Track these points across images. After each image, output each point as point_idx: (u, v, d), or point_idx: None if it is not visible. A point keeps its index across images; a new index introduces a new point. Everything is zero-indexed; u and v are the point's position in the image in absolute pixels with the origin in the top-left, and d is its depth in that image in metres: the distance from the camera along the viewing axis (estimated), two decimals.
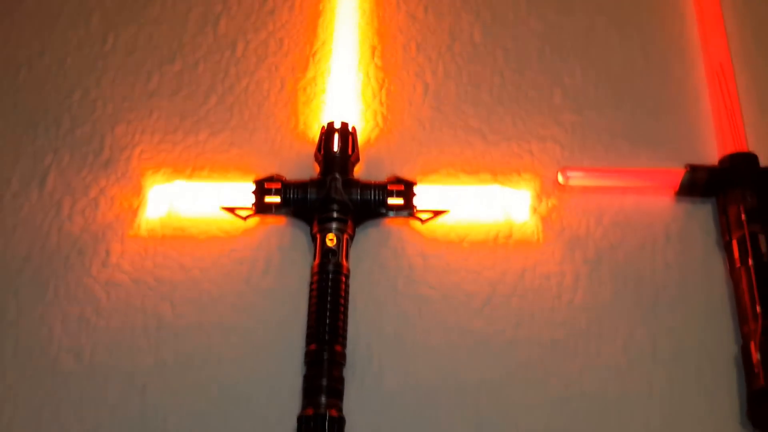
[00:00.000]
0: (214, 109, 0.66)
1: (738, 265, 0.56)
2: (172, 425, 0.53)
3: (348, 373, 0.54)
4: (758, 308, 0.53)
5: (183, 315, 0.57)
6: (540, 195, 0.61)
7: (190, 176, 0.63)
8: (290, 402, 0.53)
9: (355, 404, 0.53)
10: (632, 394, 0.54)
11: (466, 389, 0.54)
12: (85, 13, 0.71)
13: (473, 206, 0.60)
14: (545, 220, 0.60)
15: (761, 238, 0.55)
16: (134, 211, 0.61)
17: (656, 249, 0.59)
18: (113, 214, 0.61)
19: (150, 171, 0.63)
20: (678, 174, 0.60)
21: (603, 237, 0.60)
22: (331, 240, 0.57)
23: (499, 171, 0.63)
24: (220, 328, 0.57)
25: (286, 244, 0.60)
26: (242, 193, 0.60)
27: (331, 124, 0.61)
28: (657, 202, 0.61)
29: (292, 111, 0.66)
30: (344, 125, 0.61)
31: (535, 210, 0.61)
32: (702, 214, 0.60)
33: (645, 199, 0.61)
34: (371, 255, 0.59)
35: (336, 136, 0.61)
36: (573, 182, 0.61)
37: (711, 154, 0.62)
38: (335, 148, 0.60)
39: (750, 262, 0.55)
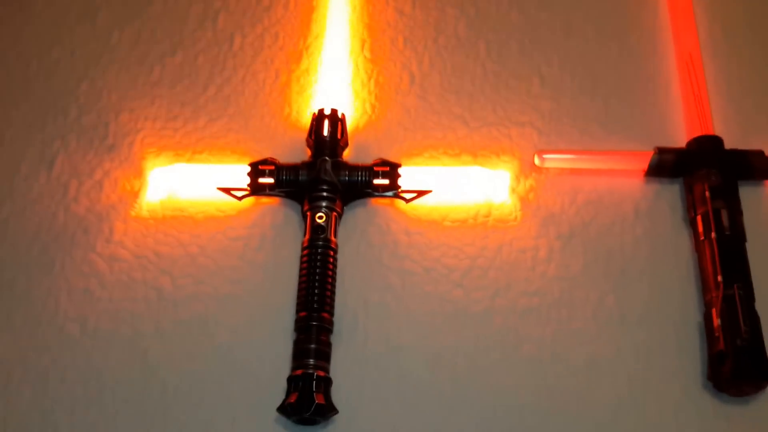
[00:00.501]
0: (213, 98, 0.70)
1: (702, 238, 0.59)
2: (171, 387, 0.57)
3: (335, 339, 0.58)
4: (719, 278, 0.57)
5: (181, 287, 0.61)
6: (518, 176, 0.65)
7: (189, 160, 0.67)
8: (281, 365, 0.57)
9: (341, 367, 0.57)
10: (600, 358, 0.57)
11: (444, 353, 0.58)
12: (92, 11, 0.75)
13: (455, 186, 0.64)
14: (522, 199, 0.64)
15: (723, 213, 0.59)
16: (136, 193, 0.65)
17: (626, 225, 0.63)
18: (116, 195, 0.65)
19: (151, 155, 0.67)
20: (647, 156, 0.63)
21: (576, 214, 0.63)
22: (320, 217, 0.60)
23: (479, 154, 0.66)
24: (216, 299, 0.60)
25: (279, 223, 0.64)
26: (238, 175, 0.64)
27: (321, 111, 0.65)
28: (628, 182, 0.65)
29: (285, 100, 0.70)
30: (334, 111, 0.65)
31: (513, 190, 0.65)
32: (670, 194, 0.64)
33: (616, 180, 0.65)
34: (358, 232, 0.63)
35: (326, 122, 0.65)
36: (548, 164, 0.65)
37: (680, 138, 0.65)
38: (325, 133, 0.64)
39: (713, 235, 0.58)
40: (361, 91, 0.70)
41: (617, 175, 0.65)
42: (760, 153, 0.63)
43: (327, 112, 0.65)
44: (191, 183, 0.65)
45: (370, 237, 0.63)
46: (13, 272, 0.62)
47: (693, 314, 0.59)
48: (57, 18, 0.75)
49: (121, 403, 0.56)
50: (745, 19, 0.72)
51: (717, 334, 0.55)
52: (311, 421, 0.54)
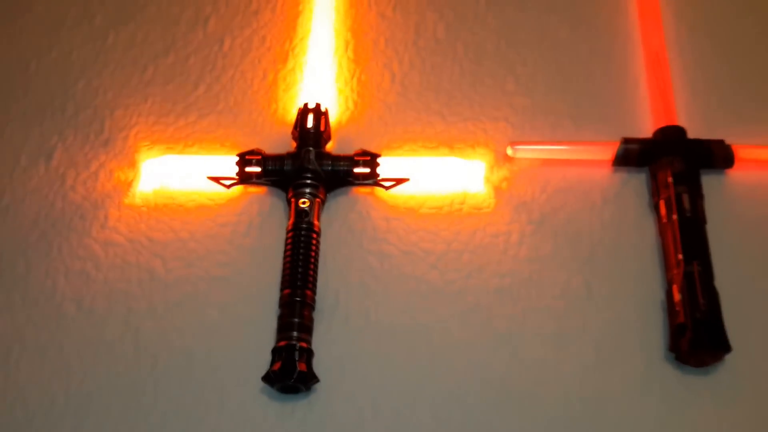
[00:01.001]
0: (203, 95, 0.74)
1: (664, 221, 0.63)
2: (161, 361, 0.60)
3: (317, 316, 0.61)
4: (680, 256, 0.60)
5: (172, 269, 0.64)
6: (492, 167, 0.69)
7: (180, 152, 0.70)
8: (266, 340, 0.60)
9: (323, 341, 0.60)
10: (568, 332, 0.60)
11: (420, 329, 0.61)
12: (89, 14, 0.79)
13: (432, 176, 0.68)
14: (496, 188, 0.68)
15: (685, 198, 0.63)
16: (130, 183, 0.69)
17: (593, 211, 0.66)
18: (111, 184, 0.69)
19: (145, 148, 0.71)
20: (614, 146, 0.67)
21: (546, 202, 0.67)
22: (304, 203, 0.64)
23: (456, 146, 0.70)
24: (206, 280, 0.64)
25: (266, 210, 0.67)
26: (226, 165, 0.67)
27: (306, 105, 0.69)
28: (596, 172, 0.68)
29: (272, 97, 0.74)
30: (317, 106, 0.69)
31: (487, 180, 0.68)
32: (636, 182, 0.68)
33: (585, 170, 0.68)
34: (340, 218, 0.67)
35: (310, 115, 0.68)
36: (520, 155, 0.68)
37: (646, 129, 0.69)
38: (309, 125, 0.68)
39: (674, 217, 0.62)
40: (344, 89, 0.74)
41: (586, 165, 0.69)
42: (721, 142, 0.67)
43: (311, 106, 0.69)
44: (182, 173, 0.68)
45: (351, 223, 0.66)
46: (14, 256, 0.65)
47: (656, 292, 0.62)
48: (56, 21, 0.79)
49: (114, 376, 0.59)
50: (708, 20, 0.76)
51: (678, 309, 0.59)
52: (294, 389, 0.58)
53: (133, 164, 0.70)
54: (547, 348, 0.60)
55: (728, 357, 0.59)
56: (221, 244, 0.65)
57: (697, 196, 0.63)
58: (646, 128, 0.69)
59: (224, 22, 0.79)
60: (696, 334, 0.57)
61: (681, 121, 0.68)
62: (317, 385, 0.59)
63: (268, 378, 0.57)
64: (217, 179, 0.67)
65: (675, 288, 0.60)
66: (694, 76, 0.73)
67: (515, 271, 0.63)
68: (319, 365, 0.59)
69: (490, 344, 0.60)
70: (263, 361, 0.59)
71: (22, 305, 0.63)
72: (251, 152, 0.67)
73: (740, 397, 0.58)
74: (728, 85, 0.72)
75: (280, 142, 0.70)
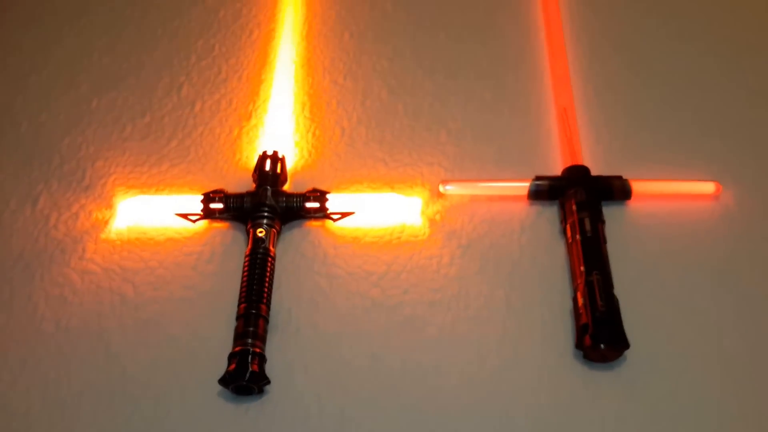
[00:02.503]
0: (175, 148, 0.84)
1: (570, 241, 0.73)
2: (129, 371, 0.67)
3: (271, 330, 0.69)
4: (582, 268, 0.70)
5: (142, 293, 0.72)
6: (427, 202, 0.79)
7: (153, 195, 0.80)
8: (224, 352, 0.67)
9: (276, 350, 0.68)
10: (490, 336, 0.69)
11: (362, 337, 0.69)
12: (76, 84, 0.90)
13: (375, 210, 0.78)
14: (430, 220, 0.78)
15: (586, 221, 0.73)
16: (106, 221, 0.78)
17: (513, 238, 0.76)
18: (90, 223, 0.78)
19: (121, 192, 0.80)
20: (528, 183, 0.78)
21: (473, 230, 0.77)
22: (261, 232, 0.73)
23: (396, 186, 0.80)
24: (172, 301, 0.72)
25: (227, 242, 0.76)
26: (192, 203, 0.77)
27: (265, 152, 0.80)
28: (515, 205, 0.79)
29: (237, 149, 0.84)
30: (275, 152, 0.79)
31: (423, 213, 0.78)
32: (549, 213, 0.78)
33: (506, 204, 0.79)
34: (294, 247, 0.76)
35: (268, 160, 0.79)
36: (451, 192, 0.79)
37: (557, 168, 0.80)
38: (267, 168, 0.78)
39: (578, 237, 0.72)
40: (300, 142, 0.85)
41: (506, 200, 0.79)
42: (620, 177, 0.78)
43: (270, 153, 0.79)
44: (153, 211, 0.77)
45: (303, 250, 0.76)
46: (0, 284, 0.73)
47: (565, 301, 0.71)
48: (46, 89, 0.90)
49: (86, 384, 0.66)
50: (610, 80, 0.89)
51: (581, 311, 0.68)
52: (247, 390, 0.65)
53: (110, 206, 0.79)
54: (472, 350, 0.68)
55: (627, 353, 0.67)
56: (186, 270, 0.74)
57: (597, 221, 0.74)
58: (556, 168, 0.80)
59: (196, 88, 0.90)
60: (596, 331, 0.66)
61: (585, 161, 0.80)
62: (269, 388, 0.66)
63: (224, 380, 0.64)
64: (184, 215, 0.76)
65: (579, 294, 0.69)
66: (597, 123, 0.85)
67: (446, 287, 0.72)
68: (271, 370, 0.67)
69: (423, 349, 0.69)
70: (221, 369, 0.66)
71: (6, 325, 0.70)
72: (215, 191, 0.77)
73: (638, 388, 0.66)
74: (627, 131, 0.84)
75: (242, 185, 0.80)
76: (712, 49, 0.92)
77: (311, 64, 0.92)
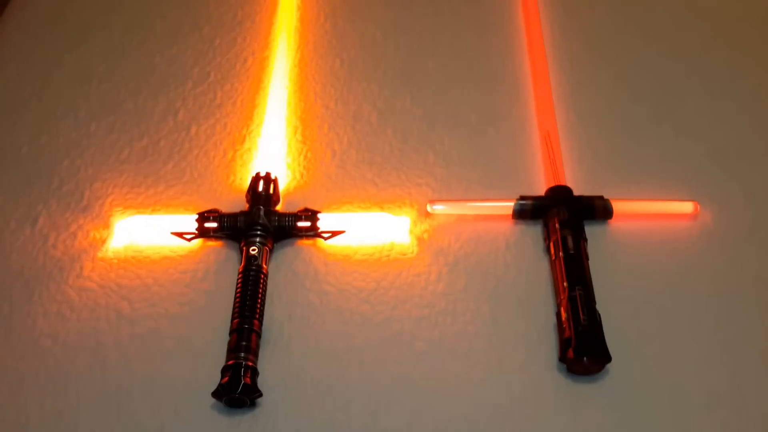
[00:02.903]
0: (171, 170, 0.87)
1: (553, 258, 0.76)
2: (125, 385, 0.69)
3: (264, 345, 0.71)
4: (565, 284, 0.72)
5: (137, 309, 0.74)
6: (416, 221, 0.82)
7: (149, 215, 0.82)
8: (218, 365, 0.69)
9: (268, 364, 0.70)
10: (477, 350, 0.71)
11: (352, 351, 0.71)
12: (75, 108, 0.93)
13: (365, 228, 0.80)
14: (419, 238, 0.80)
15: (569, 239, 0.76)
16: (103, 240, 0.80)
17: (498, 255, 0.79)
18: (87, 242, 0.80)
19: (118, 212, 0.83)
20: (513, 203, 0.81)
21: (460, 248, 0.79)
22: (254, 249, 0.76)
23: (385, 206, 0.83)
24: (167, 317, 0.74)
25: (221, 259, 0.78)
26: (188, 222, 0.79)
27: (258, 173, 0.82)
28: (500, 224, 0.81)
29: (231, 171, 0.87)
30: (268, 173, 0.82)
31: (411, 232, 0.81)
32: (533, 232, 0.81)
33: (491, 223, 0.81)
34: (286, 265, 0.78)
35: (261, 181, 0.81)
36: (438, 211, 0.82)
37: (541, 189, 0.83)
38: (260, 189, 0.81)
39: (561, 254, 0.75)
40: (292, 164, 0.88)
41: (492, 219, 0.82)
42: (601, 197, 0.81)
43: (262, 174, 0.82)
44: (149, 230, 0.80)
45: (295, 268, 0.78)
46: (0, 301, 0.75)
47: (549, 316, 0.74)
48: (46, 114, 0.92)
49: (83, 398, 0.68)
50: (595, 104, 0.92)
51: (564, 325, 0.70)
52: (240, 403, 0.66)
53: (107, 225, 0.81)
54: (459, 364, 0.70)
55: (609, 366, 0.69)
56: (181, 287, 0.76)
57: (580, 238, 0.76)
58: (539, 188, 0.83)
59: (192, 113, 0.93)
60: (579, 344, 0.68)
61: (568, 182, 0.83)
62: (261, 400, 0.68)
63: (217, 393, 0.66)
64: (179, 234, 0.79)
65: (562, 309, 0.71)
66: (579, 146, 0.88)
67: (433, 303, 0.75)
68: (263, 384, 0.68)
69: (412, 362, 0.71)
70: (214, 383, 0.68)
71: (6, 340, 0.72)
72: (210, 211, 0.79)
73: (620, 400, 0.68)
74: (607, 153, 0.87)
75: (236, 205, 0.83)
76: (689, 74, 0.95)
77: (303, 90, 0.95)
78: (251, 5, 1.06)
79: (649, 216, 0.82)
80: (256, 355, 0.69)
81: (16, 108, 0.93)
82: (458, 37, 1.00)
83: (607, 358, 0.69)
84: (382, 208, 0.83)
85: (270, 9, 1.05)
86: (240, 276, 0.74)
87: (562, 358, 0.69)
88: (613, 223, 0.81)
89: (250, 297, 0.71)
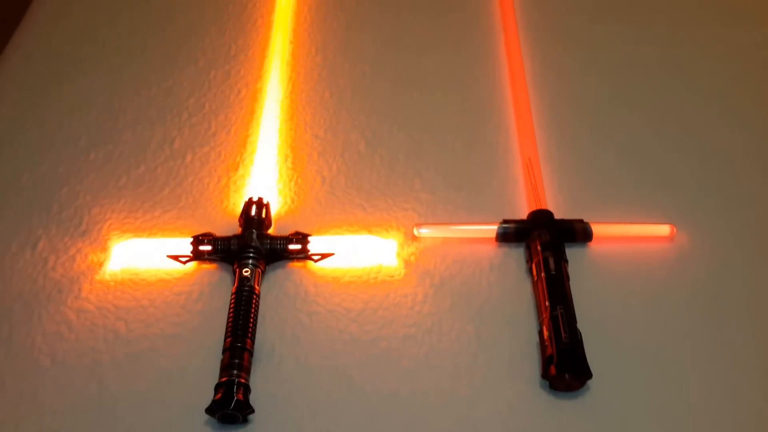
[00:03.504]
0: (167, 196, 0.90)
1: (535, 279, 0.79)
2: (121, 404, 0.71)
3: (255, 364, 0.73)
4: (547, 303, 0.75)
5: (134, 330, 0.77)
6: (402, 244, 0.85)
7: (145, 238, 0.85)
8: (211, 383, 0.71)
9: (260, 382, 0.72)
10: (462, 367, 0.74)
11: (341, 369, 0.73)
12: (75, 137, 0.97)
13: (354, 251, 0.83)
14: (405, 261, 0.83)
15: (550, 260, 0.79)
16: (101, 263, 0.83)
17: (482, 276, 0.82)
18: (86, 265, 0.83)
19: (116, 236, 0.85)
20: (496, 226, 0.84)
21: (445, 270, 0.82)
22: (246, 271, 0.78)
23: (373, 230, 0.86)
24: (162, 337, 0.76)
25: (215, 281, 0.81)
26: (183, 245, 0.82)
27: (251, 198, 0.85)
28: (484, 247, 0.84)
29: (225, 196, 0.90)
30: (260, 198, 0.85)
31: (398, 255, 0.84)
32: (516, 254, 0.84)
33: (475, 246, 0.85)
34: (278, 286, 0.81)
35: (254, 206, 0.85)
36: (424, 234, 0.85)
37: (523, 213, 0.87)
38: (253, 213, 0.84)
39: (543, 275, 0.78)
40: (283, 190, 0.91)
41: (476, 242, 0.85)
42: (581, 220, 0.84)
43: (255, 199, 0.85)
44: (145, 253, 0.82)
45: (286, 289, 0.81)
46: (0, 322, 0.77)
47: (532, 334, 0.76)
48: (47, 142, 0.96)
49: (80, 414, 0.70)
50: (572, 132, 0.96)
51: (547, 343, 0.73)
52: (232, 418, 0.69)
53: (105, 249, 0.84)
54: (445, 381, 0.73)
55: (591, 383, 0.72)
56: (176, 308, 0.79)
57: (561, 260, 0.80)
58: (521, 212, 0.87)
59: (187, 142, 0.97)
60: (560, 361, 0.71)
61: (549, 206, 0.86)
62: (253, 416, 0.70)
63: (210, 409, 0.68)
64: (175, 257, 0.82)
65: (544, 328, 0.74)
66: (559, 171, 0.91)
67: (420, 323, 0.78)
68: (255, 400, 0.71)
69: (399, 380, 0.73)
70: (208, 400, 0.70)
71: (5, 359, 0.74)
72: (204, 234, 0.82)
73: (601, 416, 0.71)
74: (587, 178, 0.91)
75: (229, 229, 0.86)
76: (665, 103, 1.00)
77: (294, 120, 0.99)
78: (245, 39, 1.11)
79: (627, 238, 0.86)
80: (248, 372, 0.71)
81: (17, 137, 0.96)
82: (442, 69, 1.05)
83: (588, 375, 0.71)
84: (370, 232, 0.86)
85: (263, 43, 1.09)
86: (233, 297, 0.76)
87: (545, 374, 0.72)
88: (593, 246, 0.85)
89: (242, 317, 0.74)
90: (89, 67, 1.05)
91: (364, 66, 1.05)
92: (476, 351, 0.75)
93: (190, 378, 0.73)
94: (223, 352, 0.73)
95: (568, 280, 0.79)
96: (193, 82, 1.04)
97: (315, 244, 0.82)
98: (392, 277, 0.82)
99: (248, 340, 0.73)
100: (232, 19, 1.14)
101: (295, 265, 0.83)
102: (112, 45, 1.10)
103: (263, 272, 0.81)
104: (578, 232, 0.84)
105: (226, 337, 0.73)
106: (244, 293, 0.76)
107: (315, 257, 0.82)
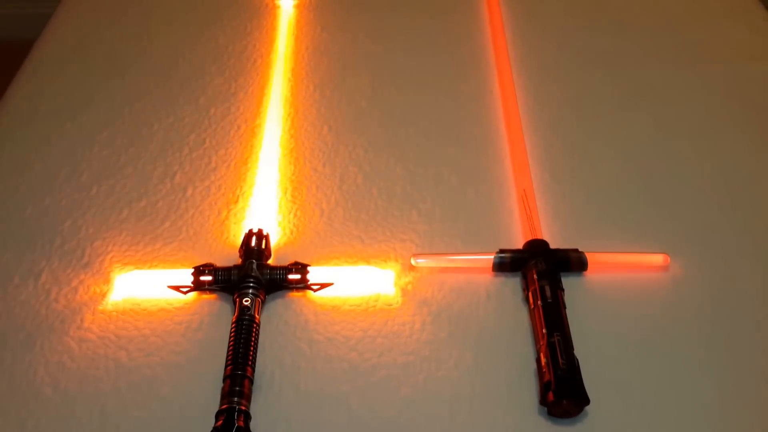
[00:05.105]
0: (168, 229, 0.92)
1: (532, 307, 0.80)
2: (122, 428, 0.71)
3: (256, 392, 0.74)
4: (544, 330, 0.76)
5: (135, 358, 0.77)
6: (400, 274, 0.86)
7: (147, 270, 0.86)
8: (211, 409, 0.72)
9: (260, 410, 0.73)
10: (460, 394, 0.74)
11: (340, 396, 0.74)
12: (78, 172, 0.99)
13: (352, 281, 0.84)
14: (403, 290, 0.85)
15: (546, 288, 0.80)
16: (103, 294, 0.84)
17: (479, 305, 0.83)
18: (88, 296, 0.84)
19: (118, 268, 0.87)
20: (493, 256, 0.86)
21: (443, 299, 0.84)
22: (246, 300, 0.80)
23: (371, 260, 0.88)
24: (163, 366, 0.77)
25: (215, 311, 0.82)
26: (184, 276, 0.83)
27: (251, 230, 0.87)
28: (481, 277, 0.86)
29: (225, 228, 0.92)
30: (260, 230, 0.87)
31: (396, 284, 0.85)
32: (513, 283, 0.85)
33: (472, 275, 0.86)
34: (278, 315, 0.82)
35: (254, 237, 0.86)
36: (421, 264, 0.86)
37: (519, 243, 0.89)
38: (253, 244, 0.85)
39: (539, 303, 0.79)
40: (283, 221, 0.93)
41: (473, 272, 0.86)
42: (576, 250, 0.86)
43: (255, 230, 0.87)
44: (147, 284, 0.84)
45: (286, 318, 0.82)
46: (2, 352, 0.78)
47: (529, 361, 0.77)
48: (50, 177, 0.97)
49: None
50: (567, 163, 0.99)
51: (544, 370, 0.74)
52: None
53: (107, 280, 0.85)
54: (444, 408, 0.74)
55: (588, 409, 0.73)
56: (177, 337, 0.79)
57: (557, 288, 0.81)
58: (517, 242, 0.88)
59: (188, 176, 0.99)
60: (558, 387, 0.72)
61: (545, 235, 0.88)
62: None
63: None
64: (176, 287, 0.83)
65: (542, 355, 0.75)
66: (554, 202, 0.93)
67: (418, 350, 0.78)
68: (256, 427, 0.71)
69: (398, 407, 0.74)
70: (208, 427, 0.70)
71: (8, 389, 0.74)
72: (205, 265, 0.84)
73: None
74: (582, 208, 0.93)
75: (229, 259, 0.87)
76: (660, 131, 1.03)
77: (293, 154, 1.01)
78: (245, 78, 1.14)
79: (622, 267, 0.87)
80: (248, 399, 0.72)
81: (21, 171, 0.98)
82: (437, 104, 1.08)
83: (586, 401, 0.72)
84: (368, 262, 0.87)
85: (262, 81, 1.12)
86: (233, 325, 0.77)
87: (543, 401, 0.73)
88: (588, 275, 0.86)
89: (243, 345, 0.75)
90: (92, 104, 1.08)
91: (361, 102, 1.08)
92: (474, 378, 0.76)
93: (191, 406, 0.73)
94: (224, 379, 0.73)
95: (565, 307, 0.80)
96: (194, 119, 1.06)
97: (314, 274, 0.84)
98: (390, 305, 0.83)
99: (249, 368, 0.74)
100: (232, 59, 1.17)
101: (295, 295, 0.84)
102: (114, 82, 1.12)
103: (263, 302, 0.82)
104: (573, 262, 0.85)
105: (226, 365, 0.74)
106: (245, 322, 0.77)
107: (314, 287, 0.83)
